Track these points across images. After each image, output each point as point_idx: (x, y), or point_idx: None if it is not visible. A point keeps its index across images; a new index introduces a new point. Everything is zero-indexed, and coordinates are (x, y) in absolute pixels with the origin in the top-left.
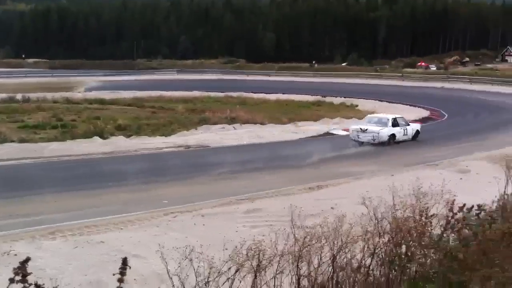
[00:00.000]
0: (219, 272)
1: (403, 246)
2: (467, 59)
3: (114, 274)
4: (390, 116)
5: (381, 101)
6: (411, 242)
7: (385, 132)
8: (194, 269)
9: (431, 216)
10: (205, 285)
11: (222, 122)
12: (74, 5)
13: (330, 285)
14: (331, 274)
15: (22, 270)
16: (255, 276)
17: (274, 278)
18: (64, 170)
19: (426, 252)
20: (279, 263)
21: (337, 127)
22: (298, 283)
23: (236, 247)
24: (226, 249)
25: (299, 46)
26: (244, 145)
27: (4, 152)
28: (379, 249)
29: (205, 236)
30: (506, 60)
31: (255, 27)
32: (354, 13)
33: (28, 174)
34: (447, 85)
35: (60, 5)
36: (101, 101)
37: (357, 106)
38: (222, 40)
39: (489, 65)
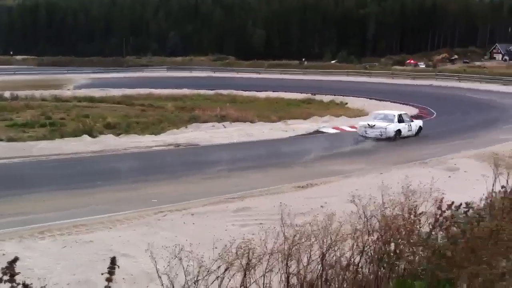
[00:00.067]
0: (208, 271)
1: (392, 244)
2: (456, 56)
3: (102, 274)
4: (396, 113)
5: (371, 99)
6: (400, 240)
7: (392, 127)
8: (184, 268)
9: (420, 214)
10: (194, 284)
11: (212, 120)
12: (63, 0)
13: (319, 283)
14: (320, 272)
15: (10, 270)
16: (245, 274)
17: (264, 276)
18: (53, 169)
19: (414, 250)
20: (268, 262)
21: (327, 125)
22: (287, 281)
23: (225, 245)
24: (216, 247)
25: (289, 43)
26: (234, 143)
27: None
28: (368, 247)
29: (194, 235)
30: (494, 58)
31: (245, 23)
32: (343, 10)
33: (16, 174)
34: (435, 82)
35: (49, 0)
36: (90, 99)
37: (346, 104)
38: (212, 36)
39: (477, 63)
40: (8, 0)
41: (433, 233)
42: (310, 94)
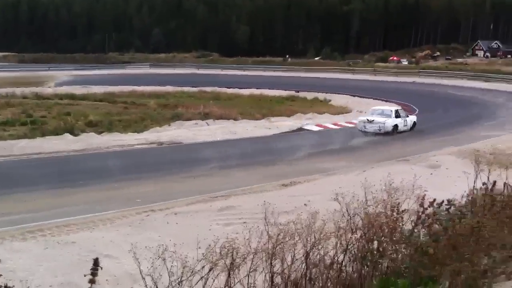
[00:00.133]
0: (192, 271)
1: (375, 242)
2: (438, 53)
3: (85, 275)
4: (393, 108)
5: (354, 96)
6: (382, 238)
7: (390, 122)
8: (167, 269)
9: (402, 211)
10: (179, 284)
11: (196, 117)
12: None
13: (303, 282)
14: (304, 271)
15: None
16: (229, 274)
17: (248, 276)
18: (34, 168)
19: (397, 248)
20: (252, 261)
21: (310, 122)
22: (272, 280)
23: (209, 245)
24: (200, 247)
25: (273, 39)
26: (217, 141)
27: None
28: (351, 245)
29: (178, 234)
30: (476, 55)
31: (229, 19)
32: (327, 6)
33: None
34: (418, 79)
35: None
36: (72, 96)
37: (330, 101)
38: (196, 32)
39: (460, 60)
40: None
41: (415, 230)
42: (294, 91)
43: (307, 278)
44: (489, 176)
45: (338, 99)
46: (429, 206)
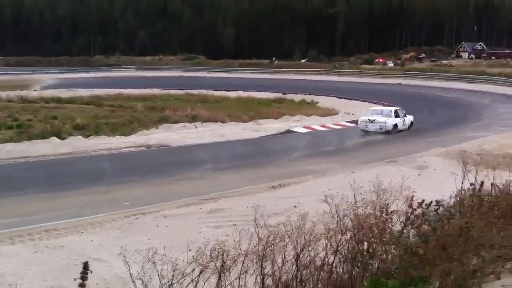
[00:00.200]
0: (183, 274)
1: (365, 243)
2: (423, 55)
3: (75, 279)
4: (393, 108)
5: (340, 98)
6: (372, 239)
7: (390, 122)
8: (158, 272)
9: (392, 212)
10: (169, 287)
11: (183, 120)
12: None
13: (294, 283)
14: (295, 272)
15: None
16: (219, 277)
17: (239, 278)
18: (21, 172)
19: (387, 248)
20: (243, 263)
21: (298, 124)
22: (263, 282)
23: (199, 248)
24: (190, 250)
25: (259, 42)
26: (206, 144)
27: None
28: (341, 246)
29: (168, 237)
30: (461, 56)
31: (215, 22)
32: (312, 8)
33: None
34: (404, 81)
35: None
36: (58, 100)
37: (317, 103)
38: (181, 35)
39: (444, 61)
40: None
41: (404, 231)
42: (281, 94)
43: (298, 280)
44: (476, 177)
45: (325, 101)
46: (418, 207)
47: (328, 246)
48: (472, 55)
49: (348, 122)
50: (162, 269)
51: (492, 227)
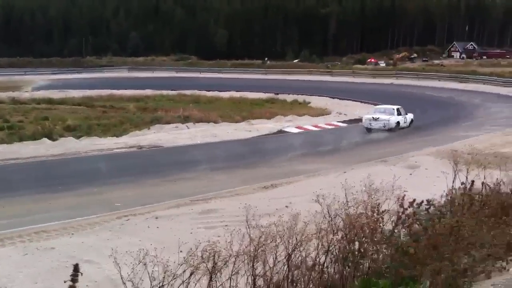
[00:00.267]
0: (174, 276)
1: (356, 243)
2: (415, 55)
3: (65, 281)
4: (395, 107)
5: (333, 98)
6: (363, 239)
7: (394, 119)
8: (149, 273)
9: (383, 212)
10: None
11: (175, 121)
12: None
13: (286, 284)
14: (287, 273)
15: None
16: (211, 278)
17: (230, 279)
18: (12, 174)
19: (378, 248)
20: (234, 264)
21: (291, 124)
22: (254, 283)
23: (191, 249)
24: (181, 251)
25: (251, 42)
26: (198, 144)
27: None
28: (333, 246)
29: (159, 239)
30: (452, 56)
31: (207, 22)
32: (305, 8)
33: None
34: (396, 81)
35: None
36: (50, 101)
37: (309, 103)
38: (173, 36)
39: (436, 61)
40: None
41: (396, 230)
42: (273, 94)
43: (289, 280)
44: (467, 176)
45: (317, 101)
46: (409, 207)
47: (320, 246)
48: (464, 55)
49: (340, 122)
50: (153, 270)
51: (482, 226)
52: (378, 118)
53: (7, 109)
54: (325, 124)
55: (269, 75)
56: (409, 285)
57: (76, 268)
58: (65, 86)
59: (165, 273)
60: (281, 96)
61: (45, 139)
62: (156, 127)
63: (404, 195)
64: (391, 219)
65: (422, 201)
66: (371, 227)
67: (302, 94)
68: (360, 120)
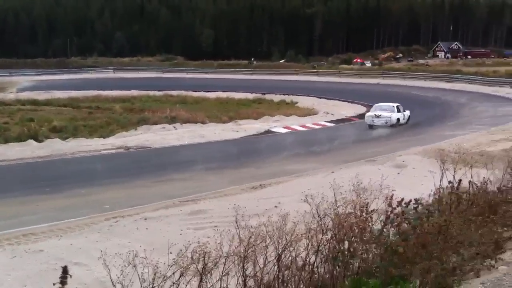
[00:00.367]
0: (164, 277)
1: (346, 242)
2: (400, 55)
3: (54, 284)
4: (395, 104)
5: (320, 98)
6: (353, 238)
7: (395, 116)
8: (138, 275)
9: (372, 211)
10: None
11: (162, 121)
12: (4, 0)
13: (276, 284)
14: (277, 273)
15: None
16: (201, 279)
17: (221, 280)
18: None
19: (367, 248)
20: (224, 265)
21: (278, 124)
22: (244, 284)
23: (180, 250)
24: (171, 252)
25: (237, 43)
26: (186, 145)
27: None
28: (322, 246)
29: (148, 240)
30: (437, 56)
31: (192, 23)
32: (290, 8)
33: None
34: (382, 81)
35: None
36: (35, 102)
37: (297, 103)
38: (159, 36)
39: (421, 61)
40: None
41: (385, 230)
42: (260, 94)
43: (280, 281)
44: (454, 175)
45: (304, 101)
46: (397, 206)
47: (309, 246)
48: (448, 55)
49: (327, 121)
50: (142, 272)
51: (470, 225)
52: (380, 115)
53: None
54: (313, 124)
55: (255, 75)
56: (399, 284)
57: (65, 271)
58: (50, 87)
59: (155, 274)
60: (268, 96)
61: (31, 141)
62: (143, 128)
63: (392, 194)
64: (380, 219)
65: (410, 200)
66: (360, 226)
67: (289, 94)
68: (347, 120)
